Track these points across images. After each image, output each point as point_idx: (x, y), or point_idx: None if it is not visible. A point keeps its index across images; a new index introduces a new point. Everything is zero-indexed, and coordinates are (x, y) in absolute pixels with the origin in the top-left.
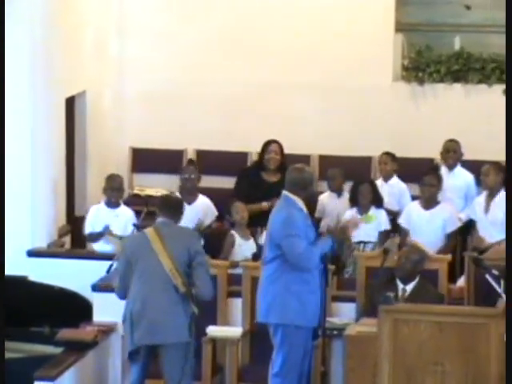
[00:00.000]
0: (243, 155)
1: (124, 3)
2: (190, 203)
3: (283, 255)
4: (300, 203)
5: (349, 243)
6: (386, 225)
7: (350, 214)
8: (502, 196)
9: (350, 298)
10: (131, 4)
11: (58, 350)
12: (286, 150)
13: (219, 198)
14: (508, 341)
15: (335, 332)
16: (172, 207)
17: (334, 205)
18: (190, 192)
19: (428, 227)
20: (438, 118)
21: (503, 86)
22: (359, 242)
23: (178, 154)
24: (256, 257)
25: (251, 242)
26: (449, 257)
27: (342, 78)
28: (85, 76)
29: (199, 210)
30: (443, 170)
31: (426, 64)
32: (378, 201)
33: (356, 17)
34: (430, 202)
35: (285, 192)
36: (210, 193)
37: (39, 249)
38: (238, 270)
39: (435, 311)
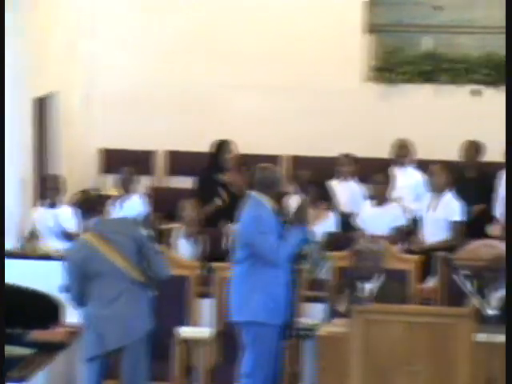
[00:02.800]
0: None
1: (94, 4)
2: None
3: (254, 254)
4: (268, 202)
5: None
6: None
7: None
8: (448, 196)
9: (321, 298)
10: (101, 5)
11: (28, 352)
12: (256, 151)
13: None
14: (508, 340)
15: (306, 332)
16: (93, 204)
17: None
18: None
19: (378, 224)
20: (407, 119)
21: (472, 87)
22: None
23: (149, 155)
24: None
25: (191, 242)
26: (418, 257)
27: (311, 78)
28: (54, 77)
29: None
30: (395, 169)
31: (395, 64)
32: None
33: (324, 18)
34: (379, 199)
35: (252, 192)
36: (180, 193)
37: (10, 250)
38: None
39: (406, 311)
